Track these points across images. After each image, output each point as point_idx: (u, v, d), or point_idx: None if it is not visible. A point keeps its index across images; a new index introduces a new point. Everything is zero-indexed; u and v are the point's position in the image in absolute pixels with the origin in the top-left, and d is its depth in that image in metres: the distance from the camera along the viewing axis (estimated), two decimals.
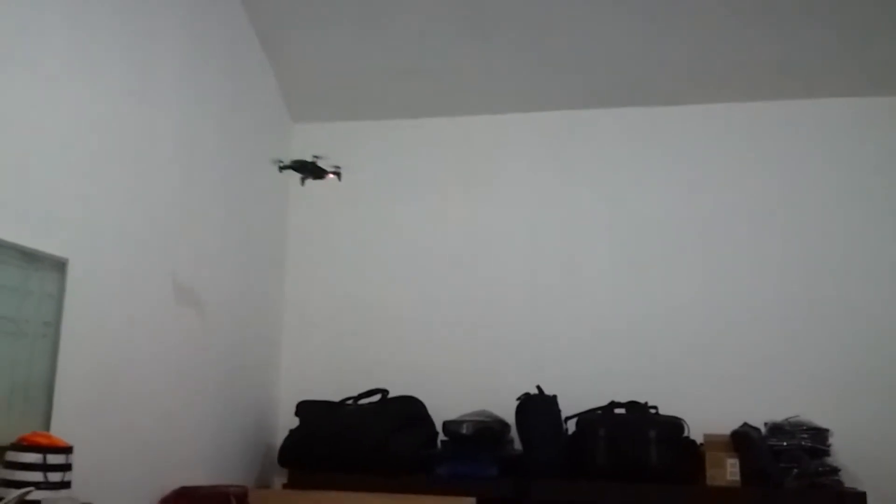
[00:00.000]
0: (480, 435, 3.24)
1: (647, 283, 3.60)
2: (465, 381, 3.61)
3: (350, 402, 3.45)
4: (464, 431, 3.25)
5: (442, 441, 3.35)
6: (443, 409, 3.42)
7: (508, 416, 3.35)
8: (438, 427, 3.38)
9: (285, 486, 3.35)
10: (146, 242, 2.82)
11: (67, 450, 2.15)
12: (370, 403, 3.44)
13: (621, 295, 3.61)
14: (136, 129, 2.78)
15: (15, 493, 2.01)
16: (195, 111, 3.16)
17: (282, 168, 2.92)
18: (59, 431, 2.26)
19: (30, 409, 2.27)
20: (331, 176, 2.92)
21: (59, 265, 2.38)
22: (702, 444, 3.15)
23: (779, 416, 3.18)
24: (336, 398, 3.46)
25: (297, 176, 2.97)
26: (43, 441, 2.13)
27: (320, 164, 2.90)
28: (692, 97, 3.65)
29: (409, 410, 3.41)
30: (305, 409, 3.42)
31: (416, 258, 3.82)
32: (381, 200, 3.91)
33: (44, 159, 2.34)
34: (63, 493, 2.08)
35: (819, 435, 3.09)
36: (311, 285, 3.90)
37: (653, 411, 3.22)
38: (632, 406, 3.24)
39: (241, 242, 3.53)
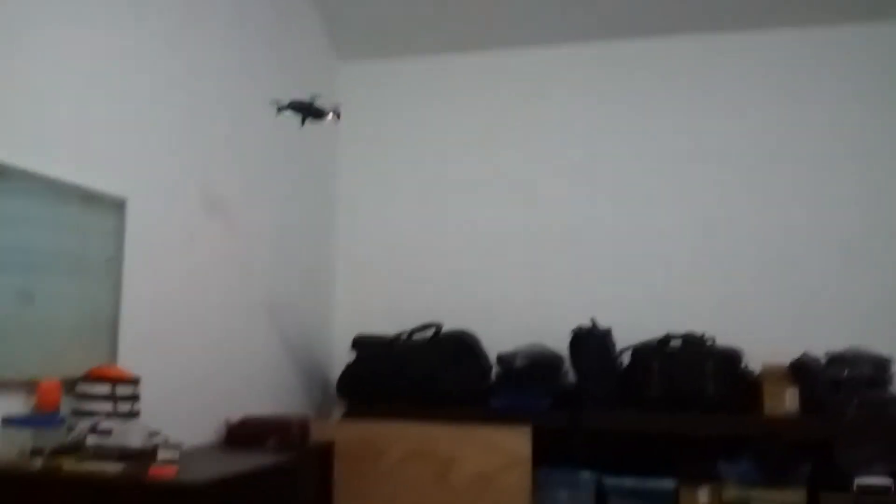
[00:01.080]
0: (534, 367, 3.26)
1: (704, 212, 3.54)
2: (519, 314, 3.63)
3: (404, 336, 3.49)
4: (517, 364, 3.26)
5: (496, 374, 3.38)
6: (497, 342, 3.44)
7: (562, 349, 3.35)
8: (492, 361, 3.41)
9: (343, 418, 3.43)
10: (201, 181, 2.87)
11: (135, 381, 2.23)
12: (424, 338, 3.48)
13: (679, 225, 3.56)
14: (185, 70, 2.81)
15: (87, 422, 2.10)
16: (242, 52, 3.17)
17: (280, 109, 2.83)
18: (126, 364, 2.34)
19: (97, 343, 2.35)
20: (330, 116, 2.87)
21: (118, 204, 2.43)
22: (760, 375, 3.12)
23: (839, 345, 3.13)
24: (390, 333, 3.50)
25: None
26: (111, 374, 2.21)
27: (319, 104, 2.85)
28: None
29: (463, 344, 3.43)
30: (361, 343, 3.48)
31: (469, 193, 3.81)
32: (432, 135, 3.89)
33: (100, 103, 2.39)
34: (132, 422, 2.16)
35: (880, 364, 3.04)
36: (362, 222, 3.93)
37: (709, 342, 3.19)
38: (687, 338, 3.21)
39: (292, 180, 3.56)
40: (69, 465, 1.96)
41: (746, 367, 3.16)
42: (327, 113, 2.87)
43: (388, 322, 3.54)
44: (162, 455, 2.07)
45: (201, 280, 2.86)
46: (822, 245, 3.40)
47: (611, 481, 3.15)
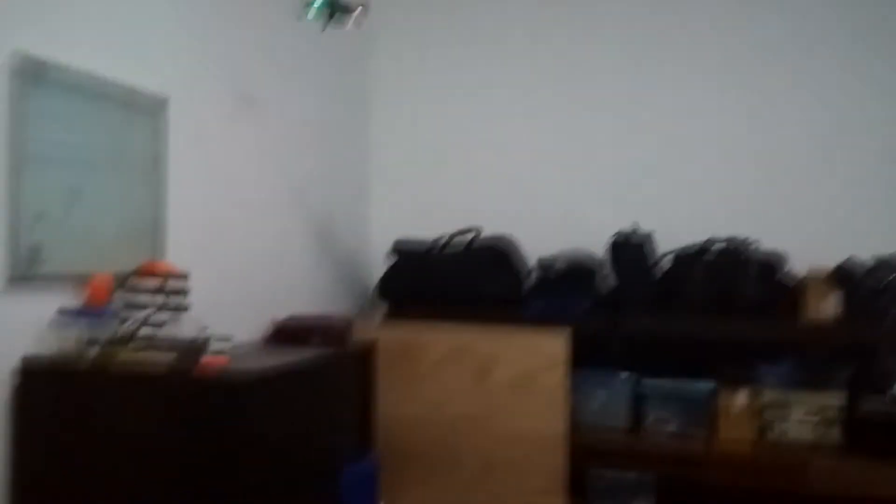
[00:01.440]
0: (573, 272, 3.26)
1: (747, 113, 3.45)
2: (558, 220, 3.61)
3: (443, 241, 3.50)
4: (556, 268, 3.27)
5: (534, 279, 3.39)
6: (535, 249, 3.43)
7: (602, 255, 3.34)
8: (531, 266, 3.41)
9: (385, 320, 3.48)
10: (239, 82, 2.86)
11: (184, 276, 2.27)
12: (463, 243, 3.48)
13: (721, 127, 3.48)
14: None
15: (137, 316, 2.16)
16: None
17: (307, 5, 2.75)
18: (174, 263, 2.38)
19: (144, 242, 2.40)
20: (357, 11, 2.80)
21: (161, 103, 2.43)
22: (802, 280, 3.09)
23: (886, 250, 3.08)
24: (428, 237, 3.51)
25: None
26: (161, 268, 2.25)
27: (343, 2, 2.77)
28: None
29: (502, 249, 3.44)
30: (401, 248, 3.50)
31: (509, 94, 3.74)
32: (469, 35, 3.80)
33: (138, 2, 2.36)
34: (183, 315, 2.21)
35: None
36: (399, 126, 3.89)
37: (752, 247, 3.16)
38: (730, 242, 3.18)
39: (329, 83, 3.54)
40: (123, 355, 2.03)
41: (789, 271, 3.13)
42: (354, 7, 2.82)
43: (426, 226, 3.55)
44: (213, 346, 2.12)
45: (243, 182, 2.88)
46: (869, 147, 3.31)
47: (648, 383, 3.18)
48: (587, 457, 3.09)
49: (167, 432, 1.89)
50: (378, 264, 3.62)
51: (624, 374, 3.21)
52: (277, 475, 2.02)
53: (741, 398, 3.10)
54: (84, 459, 1.94)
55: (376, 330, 3.30)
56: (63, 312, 2.07)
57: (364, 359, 3.16)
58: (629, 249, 3.24)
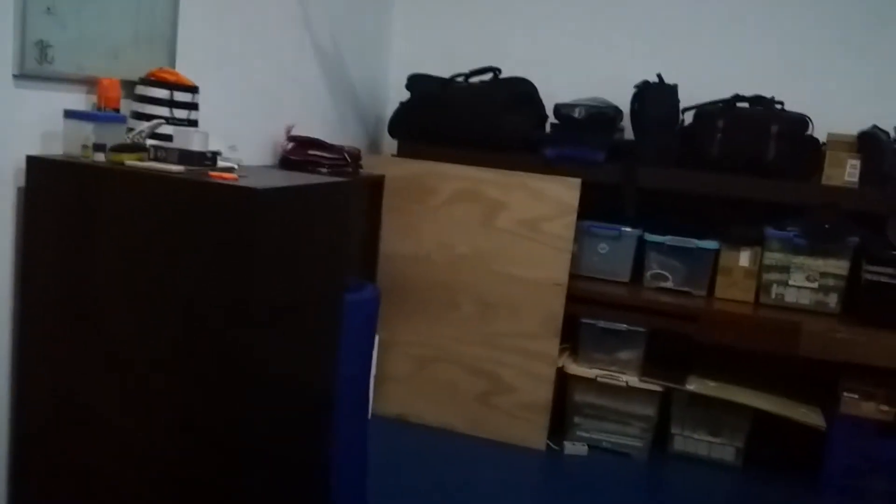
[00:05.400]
0: (592, 120, 3.17)
1: None
2: (581, 65, 3.50)
3: (461, 78, 3.40)
4: (575, 115, 3.18)
5: (552, 124, 3.32)
6: (555, 93, 3.33)
7: (624, 105, 3.25)
8: (549, 111, 3.33)
9: (394, 156, 3.43)
10: None
11: (193, 89, 2.20)
12: (481, 82, 3.38)
13: None
14: None
15: (145, 124, 2.10)
16: None
17: None
18: (184, 74, 2.30)
19: (155, 50, 2.30)
20: None
21: None
22: (825, 143, 3.02)
23: None
24: (446, 75, 3.41)
25: None
26: (170, 78, 2.18)
27: None
28: None
29: (520, 90, 3.34)
30: (416, 82, 3.40)
31: None
32: None
33: None
34: (192, 128, 2.16)
35: None
36: None
37: (778, 107, 3.07)
38: (756, 100, 3.09)
39: None
40: (130, 162, 1.99)
41: (812, 134, 3.05)
42: None
43: (445, 65, 3.43)
44: (222, 163, 2.09)
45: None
46: None
47: (653, 238, 3.18)
48: (584, 306, 3.13)
49: (176, 238, 1.88)
50: (393, 100, 3.53)
51: (629, 229, 3.20)
52: (282, 290, 2.03)
53: (743, 259, 3.11)
54: (89, 262, 1.94)
55: (385, 165, 3.27)
56: (70, 114, 2.02)
57: (371, 192, 3.15)
58: (651, 100, 3.15)
